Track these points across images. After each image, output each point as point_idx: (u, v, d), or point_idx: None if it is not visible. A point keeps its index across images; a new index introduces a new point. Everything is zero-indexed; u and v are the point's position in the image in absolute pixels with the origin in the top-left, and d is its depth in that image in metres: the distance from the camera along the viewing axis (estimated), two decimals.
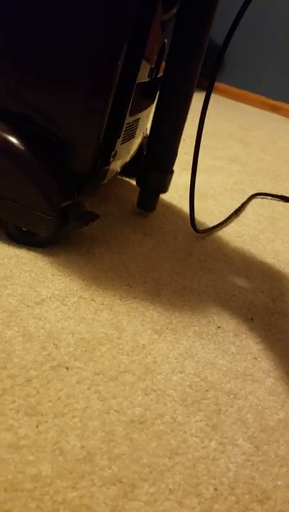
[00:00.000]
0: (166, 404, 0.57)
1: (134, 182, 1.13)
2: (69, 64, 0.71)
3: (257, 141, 1.86)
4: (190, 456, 0.51)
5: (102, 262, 0.80)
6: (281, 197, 1.29)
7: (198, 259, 0.88)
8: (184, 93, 0.85)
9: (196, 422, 0.55)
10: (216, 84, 2.82)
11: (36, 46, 0.71)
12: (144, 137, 1.06)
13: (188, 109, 0.87)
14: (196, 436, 0.54)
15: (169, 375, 0.61)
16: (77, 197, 0.78)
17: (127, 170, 1.00)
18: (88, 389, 0.56)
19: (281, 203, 1.28)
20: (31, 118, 0.74)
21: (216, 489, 0.49)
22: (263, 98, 2.72)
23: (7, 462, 0.46)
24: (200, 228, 0.98)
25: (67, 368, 0.58)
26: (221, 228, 1.04)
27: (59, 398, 0.54)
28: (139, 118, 0.88)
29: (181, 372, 0.62)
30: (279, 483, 0.51)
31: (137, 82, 0.77)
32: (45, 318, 0.65)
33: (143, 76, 0.79)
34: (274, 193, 1.32)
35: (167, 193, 1.11)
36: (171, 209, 1.06)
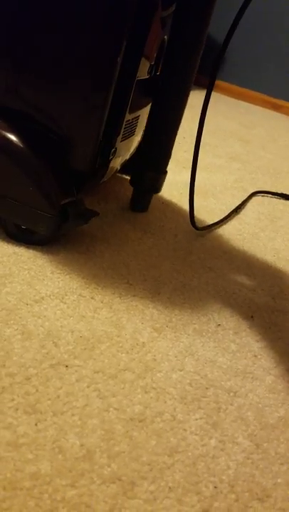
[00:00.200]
0: (165, 402, 0.56)
1: None
2: (68, 61, 0.70)
3: (257, 139, 1.86)
4: (190, 454, 0.51)
5: (101, 260, 0.80)
6: (281, 195, 1.29)
7: (199, 257, 0.88)
8: (180, 91, 0.85)
9: (196, 419, 0.55)
10: (217, 82, 2.82)
11: (35, 43, 0.71)
12: None
13: (184, 108, 0.87)
14: (196, 434, 0.53)
15: (168, 373, 0.60)
16: (77, 195, 0.77)
17: (126, 168, 1.00)
18: (88, 387, 0.56)
19: (281, 201, 1.27)
20: (30, 115, 0.74)
21: (215, 487, 0.48)
22: (264, 96, 2.71)
23: (6, 460, 0.46)
24: (200, 226, 0.97)
25: (66, 366, 0.58)
26: (221, 226, 1.03)
27: (58, 396, 0.53)
28: (139, 115, 0.87)
29: (181, 370, 0.61)
30: (279, 480, 0.51)
31: (137, 79, 0.77)
32: (45, 316, 0.64)
33: (143, 73, 0.79)
34: (274, 191, 1.31)
35: (167, 191, 1.11)
36: (171, 207, 1.06)
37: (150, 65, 0.81)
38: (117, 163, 0.87)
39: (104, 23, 0.68)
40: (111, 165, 0.83)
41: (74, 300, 0.69)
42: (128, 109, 0.78)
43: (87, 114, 0.73)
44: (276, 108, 2.67)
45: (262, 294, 0.82)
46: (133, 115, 0.82)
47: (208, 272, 0.84)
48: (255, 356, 0.67)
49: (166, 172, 0.95)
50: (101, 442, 0.50)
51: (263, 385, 0.63)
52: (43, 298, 0.68)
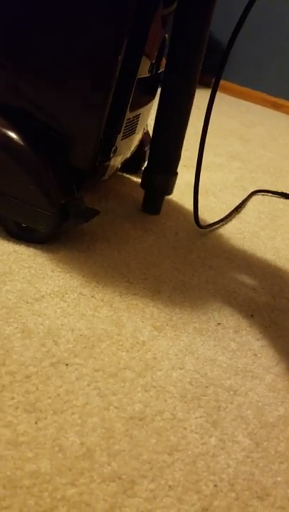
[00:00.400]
0: (166, 400, 0.56)
1: (134, 178, 1.13)
2: (68, 60, 0.70)
3: (258, 138, 1.85)
4: (190, 452, 0.51)
5: (102, 258, 0.80)
6: (282, 194, 1.29)
7: (199, 256, 0.88)
8: (185, 91, 0.85)
9: (196, 418, 0.55)
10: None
11: (35, 42, 0.70)
12: (145, 133, 1.06)
13: (190, 108, 0.87)
14: (196, 433, 0.53)
15: (169, 372, 0.60)
16: (77, 193, 0.77)
17: (127, 166, 1.00)
18: (88, 385, 0.56)
19: (282, 199, 1.27)
20: (31, 113, 0.74)
21: (215, 486, 0.48)
22: (265, 95, 2.71)
23: (6, 459, 0.46)
24: (202, 225, 0.97)
25: (66, 365, 0.57)
26: (222, 225, 1.03)
27: (58, 395, 0.53)
28: (140, 114, 0.87)
29: (181, 369, 0.61)
30: (279, 479, 0.51)
31: (138, 77, 0.77)
32: (45, 314, 0.64)
33: (143, 71, 0.79)
34: (274, 189, 1.31)
35: None
36: (171, 205, 1.06)
37: (151, 63, 0.81)
38: (117, 161, 0.86)
39: (104, 23, 0.68)
40: (111, 163, 0.82)
41: (74, 298, 0.69)
42: (129, 108, 0.78)
43: (88, 112, 0.73)
44: (276, 107, 2.67)
45: (262, 292, 0.82)
46: (134, 113, 0.82)
47: (208, 271, 0.84)
48: (255, 355, 0.67)
49: (177, 173, 0.94)
50: (101, 441, 0.50)
51: (262, 383, 0.63)
52: (43, 296, 0.68)
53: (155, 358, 0.62)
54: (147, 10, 0.73)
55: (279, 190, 1.31)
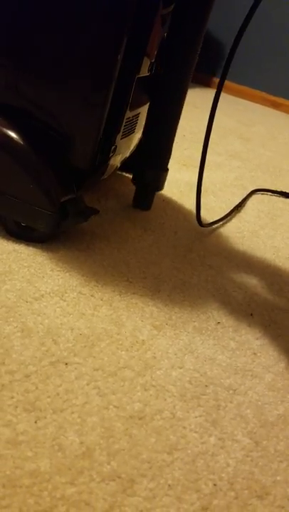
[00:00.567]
0: (165, 399, 0.56)
1: None
2: (69, 59, 0.70)
3: (257, 137, 1.85)
4: (189, 451, 0.51)
5: (101, 257, 0.80)
6: (281, 193, 1.29)
7: (198, 255, 0.88)
8: (178, 88, 0.85)
9: (196, 417, 0.55)
10: (216, 80, 2.82)
11: (35, 42, 0.70)
12: None
13: (182, 104, 0.87)
14: (196, 432, 0.53)
15: (168, 371, 0.60)
16: (77, 192, 0.77)
17: (127, 165, 1.00)
18: (87, 384, 0.56)
19: (281, 198, 1.27)
20: (31, 113, 0.74)
21: (215, 485, 0.48)
22: (264, 94, 2.71)
23: (5, 458, 0.46)
24: (204, 223, 0.97)
25: (66, 364, 0.58)
26: (222, 224, 1.03)
27: (58, 394, 0.53)
28: (139, 113, 0.87)
29: (181, 368, 0.62)
30: (278, 478, 0.51)
31: (138, 76, 0.76)
32: (44, 313, 0.64)
33: (143, 71, 0.79)
34: (274, 188, 1.31)
35: (167, 189, 1.11)
36: (171, 204, 1.06)
37: (151, 62, 0.81)
38: (117, 160, 0.86)
39: (104, 23, 0.68)
40: (111, 162, 0.82)
41: (74, 298, 0.69)
42: (128, 107, 0.78)
43: (88, 111, 0.73)
44: (275, 106, 2.67)
45: (261, 291, 0.82)
46: (133, 113, 0.82)
47: (207, 270, 0.84)
48: (255, 354, 0.67)
49: (168, 169, 0.94)
50: (100, 440, 0.50)
51: (262, 382, 0.63)
52: (42, 295, 0.68)
53: (155, 357, 0.62)
54: (150, 10, 0.73)
55: (278, 189, 1.31)
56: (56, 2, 0.68)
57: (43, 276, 0.71)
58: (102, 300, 0.70)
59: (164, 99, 0.86)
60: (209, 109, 0.84)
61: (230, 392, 0.60)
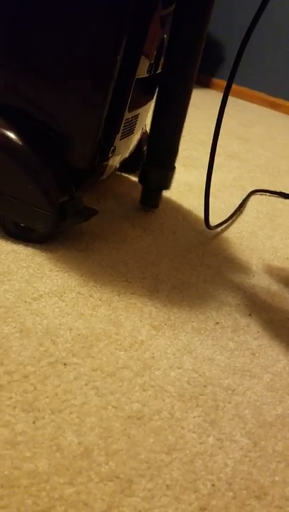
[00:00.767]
0: (164, 400, 0.56)
1: (133, 178, 1.13)
2: (67, 60, 0.70)
3: (256, 138, 1.85)
4: (188, 451, 0.51)
5: (100, 257, 0.80)
6: (280, 193, 1.29)
7: (197, 255, 0.88)
8: (183, 88, 0.85)
9: (194, 417, 0.55)
10: (216, 80, 2.82)
11: (35, 42, 0.70)
12: (144, 133, 1.06)
13: (188, 104, 0.87)
14: (194, 432, 0.53)
15: (167, 371, 0.61)
16: (76, 193, 0.77)
17: (125, 166, 1.00)
18: (86, 385, 0.56)
19: (280, 199, 1.27)
20: (30, 113, 0.74)
21: (213, 485, 0.48)
22: (263, 95, 2.71)
23: (3, 458, 0.46)
24: (203, 224, 0.97)
25: (64, 364, 0.58)
26: (221, 224, 1.03)
27: (56, 394, 0.53)
28: (138, 114, 0.87)
29: (179, 368, 0.62)
30: (276, 478, 0.51)
31: (136, 77, 0.77)
32: (43, 314, 0.64)
33: (142, 72, 0.79)
34: (273, 189, 1.31)
35: None
36: (170, 205, 1.06)
37: (150, 63, 0.81)
38: (116, 161, 0.87)
39: (103, 23, 0.68)
40: (110, 163, 0.83)
41: (72, 298, 0.69)
42: (127, 108, 0.78)
43: (87, 112, 0.73)
44: (274, 107, 2.67)
45: (260, 292, 0.82)
46: (132, 114, 0.82)
47: (206, 270, 0.84)
48: (253, 354, 0.67)
49: (174, 168, 0.95)
50: (99, 440, 0.50)
51: (260, 383, 0.63)
52: (41, 296, 0.68)
53: (153, 358, 0.62)
54: (146, 10, 0.73)
55: (277, 190, 1.31)
56: (56, 2, 0.68)
57: (42, 277, 0.71)
58: (100, 300, 0.70)
59: (168, 99, 0.86)
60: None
61: (229, 392, 0.60)
